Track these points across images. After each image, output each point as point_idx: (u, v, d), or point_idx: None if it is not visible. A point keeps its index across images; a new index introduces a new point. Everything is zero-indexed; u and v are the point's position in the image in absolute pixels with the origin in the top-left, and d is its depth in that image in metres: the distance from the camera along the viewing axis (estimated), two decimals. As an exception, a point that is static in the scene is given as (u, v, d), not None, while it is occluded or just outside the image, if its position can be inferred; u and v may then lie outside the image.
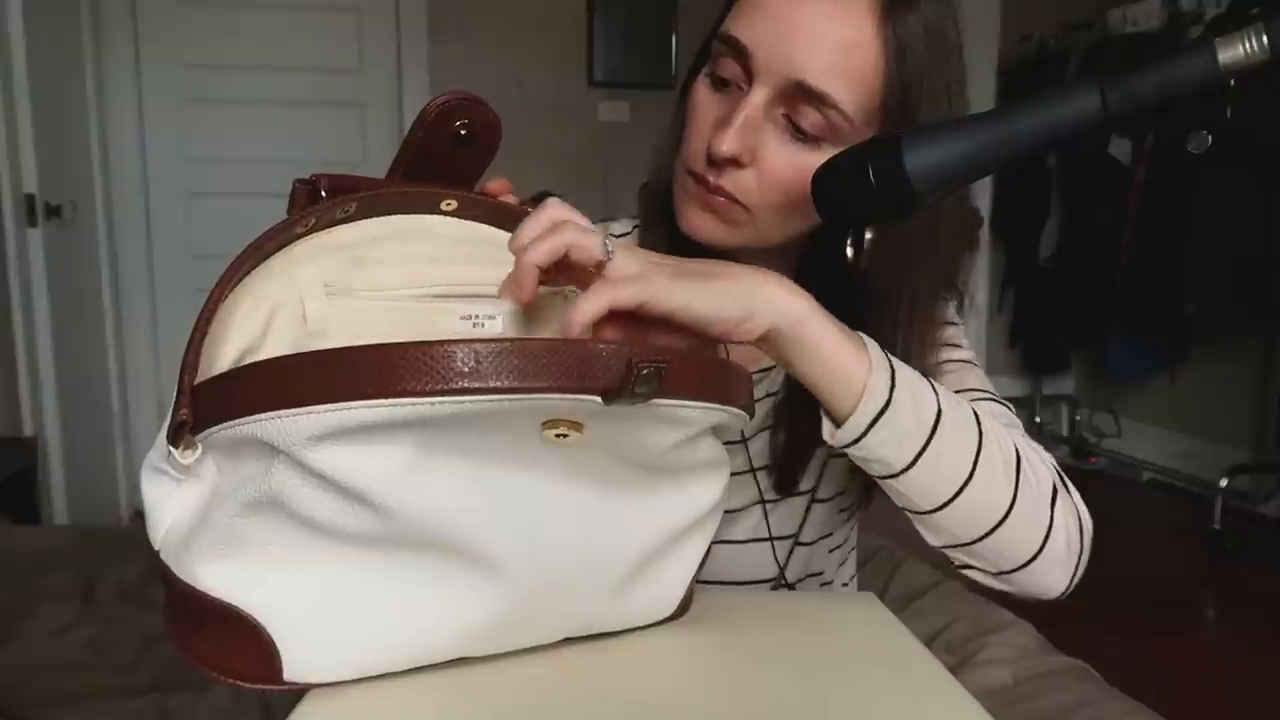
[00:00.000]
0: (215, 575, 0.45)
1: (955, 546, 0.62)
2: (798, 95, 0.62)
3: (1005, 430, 0.63)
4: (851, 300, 0.65)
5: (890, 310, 0.68)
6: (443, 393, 0.38)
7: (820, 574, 0.83)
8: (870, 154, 0.53)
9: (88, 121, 2.82)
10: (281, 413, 0.39)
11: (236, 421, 0.40)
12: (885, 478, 0.59)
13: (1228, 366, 3.27)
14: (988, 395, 0.71)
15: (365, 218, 0.54)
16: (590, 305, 0.48)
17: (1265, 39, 0.44)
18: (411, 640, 0.48)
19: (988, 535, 0.59)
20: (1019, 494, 0.59)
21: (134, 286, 3.06)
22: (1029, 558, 0.60)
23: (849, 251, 0.65)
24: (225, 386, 0.42)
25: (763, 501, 0.77)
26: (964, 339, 0.75)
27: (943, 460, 0.57)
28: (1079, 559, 0.63)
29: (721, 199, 0.66)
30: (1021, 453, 0.61)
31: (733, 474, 0.74)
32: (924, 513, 0.60)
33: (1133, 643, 2.20)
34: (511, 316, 0.55)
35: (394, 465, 0.41)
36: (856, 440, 0.57)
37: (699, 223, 0.68)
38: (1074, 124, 0.49)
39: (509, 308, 0.55)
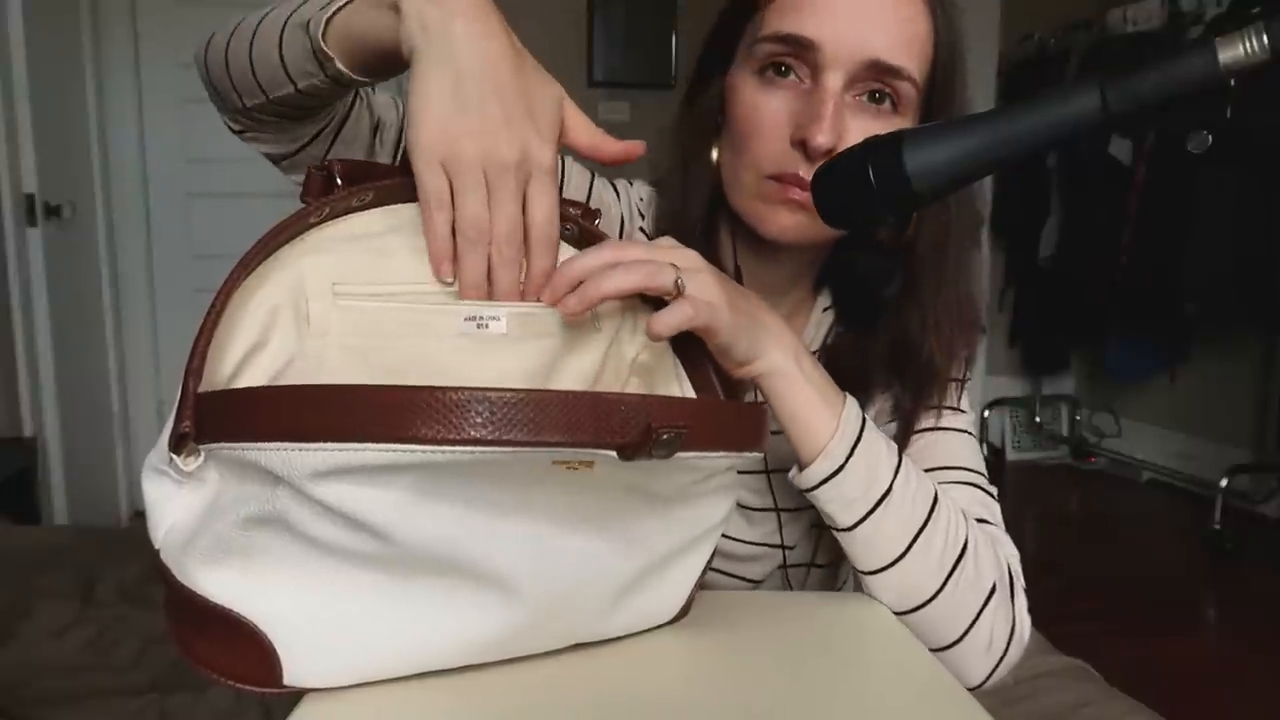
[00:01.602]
0: (216, 582, 0.44)
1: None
2: (870, 74, 0.64)
3: (963, 521, 0.65)
4: (890, 270, 0.70)
5: (936, 263, 0.70)
6: (454, 443, 0.37)
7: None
8: (870, 154, 0.53)
9: (87, 121, 2.82)
10: (285, 445, 0.38)
11: (239, 445, 0.40)
12: (834, 529, 0.64)
13: (1228, 366, 3.27)
14: (972, 478, 0.72)
15: (380, 206, 0.53)
16: (674, 318, 0.54)
17: (1265, 39, 0.44)
18: (415, 650, 0.48)
19: (909, 613, 0.63)
20: (948, 585, 0.63)
21: (134, 286, 3.06)
22: (946, 644, 0.64)
23: (881, 233, 0.68)
24: (230, 406, 0.41)
25: (777, 509, 0.76)
26: (967, 404, 0.76)
27: (880, 534, 0.63)
28: (1000, 660, 0.65)
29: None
30: (971, 547, 0.64)
31: (749, 472, 0.74)
32: (860, 572, 0.65)
33: (1133, 643, 2.20)
34: (515, 319, 0.54)
35: (398, 499, 0.40)
36: (809, 490, 0.63)
37: (790, 222, 0.67)
38: (1074, 124, 0.49)
39: (513, 309, 0.54)
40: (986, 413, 3.79)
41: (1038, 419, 3.89)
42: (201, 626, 0.46)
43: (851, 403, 0.64)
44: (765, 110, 0.66)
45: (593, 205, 0.74)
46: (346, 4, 0.54)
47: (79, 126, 2.78)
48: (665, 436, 0.39)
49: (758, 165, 0.67)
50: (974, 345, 0.74)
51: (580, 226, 0.59)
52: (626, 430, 0.39)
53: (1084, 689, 1.37)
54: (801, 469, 0.63)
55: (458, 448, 0.37)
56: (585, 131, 0.55)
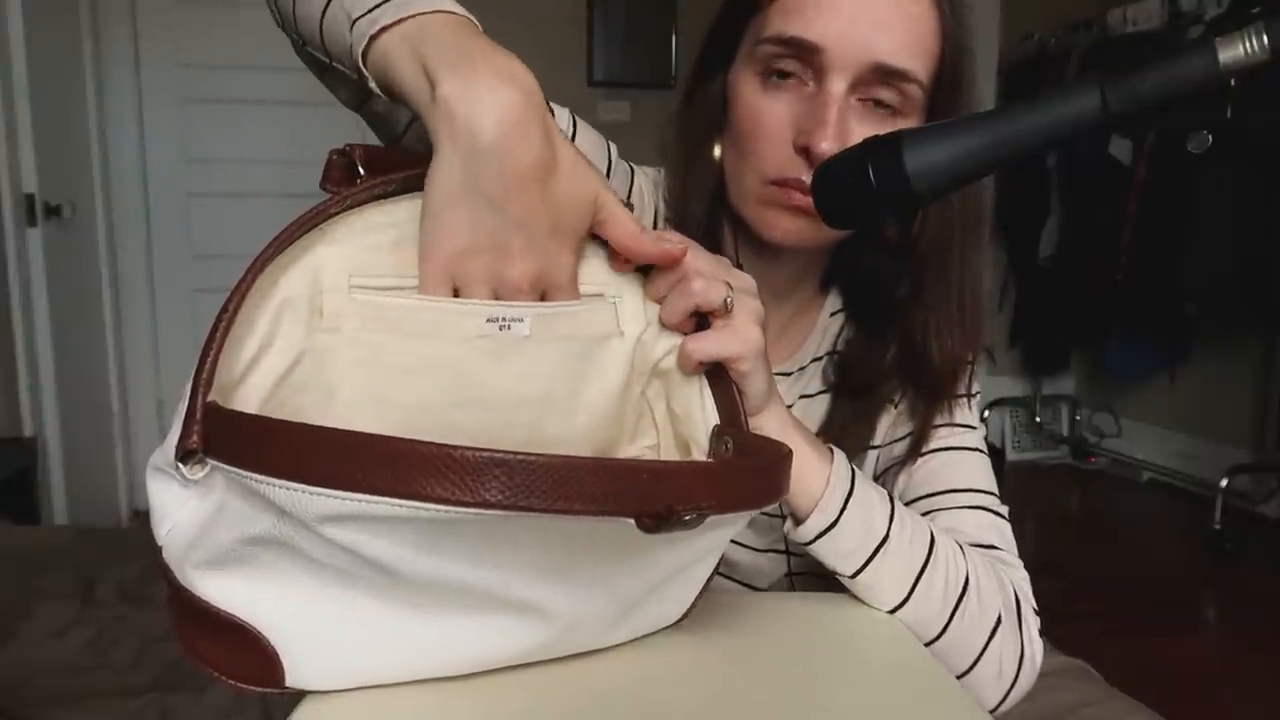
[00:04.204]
0: (218, 588, 0.44)
1: None
2: (875, 77, 0.63)
3: (962, 558, 0.64)
4: (898, 270, 0.69)
5: (939, 265, 0.70)
6: (468, 505, 0.36)
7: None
8: (870, 154, 0.53)
9: (87, 121, 2.82)
10: (294, 485, 0.37)
11: (247, 475, 0.39)
12: (837, 578, 0.64)
13: (1228, 366, 3.27)
14: (983, 500, 0.71)
15: (404, 194, 0.51)
16: (711, 350, 0.55)
17: (1265, 39, 0.44)
18: (420, 659, 0.47)
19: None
20: (952, 622, 0.63)
21: (134, 286, 3.06)
22: (957, 674, 0.64)
23: (889, 231, 0.67)
24: (240, 432, 0.40)
25: (783, 515, 0.76)
26: (977, 419, 0.75)
27: (881, 580, 0.62)
28: (1011, 687, 0.65)
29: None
30: (973, 583, 0.64)
31: None
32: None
33: (1133, 643, 2.20)
34: (539, 320, 0.52)
35: (406, 546, 0.40)
36: (806, 545, 0.62)
37: (793, 227, 0.66)
38: (1074, 124, 0.49)
39: (538, 310, 0.52)
40: (986, 413, 3.79)
41: (1038, 419, 3.89)
42: (203, 625, 0.45)
43: (840, 457, 0.64)
44: (767, 114, 0.65)
45: (634, 202, 0.74)
46: (390, 26, 0.50)
47: (79, 126, 2.78)
48: (688, 518, 0.39)
49: (760, 170, 0.66)
50: (977, 353, 0.73)
51: None
52: (649, 502, 0.38)
53: (1084, 689, 1.37)
54: (797, 524, 0.62)
55: (471, 510, 0.36)
56: (624, 230, 0.52)
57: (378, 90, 0.53)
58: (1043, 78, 3.40)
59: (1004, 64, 3.56)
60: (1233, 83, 0.46)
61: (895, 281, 0.70)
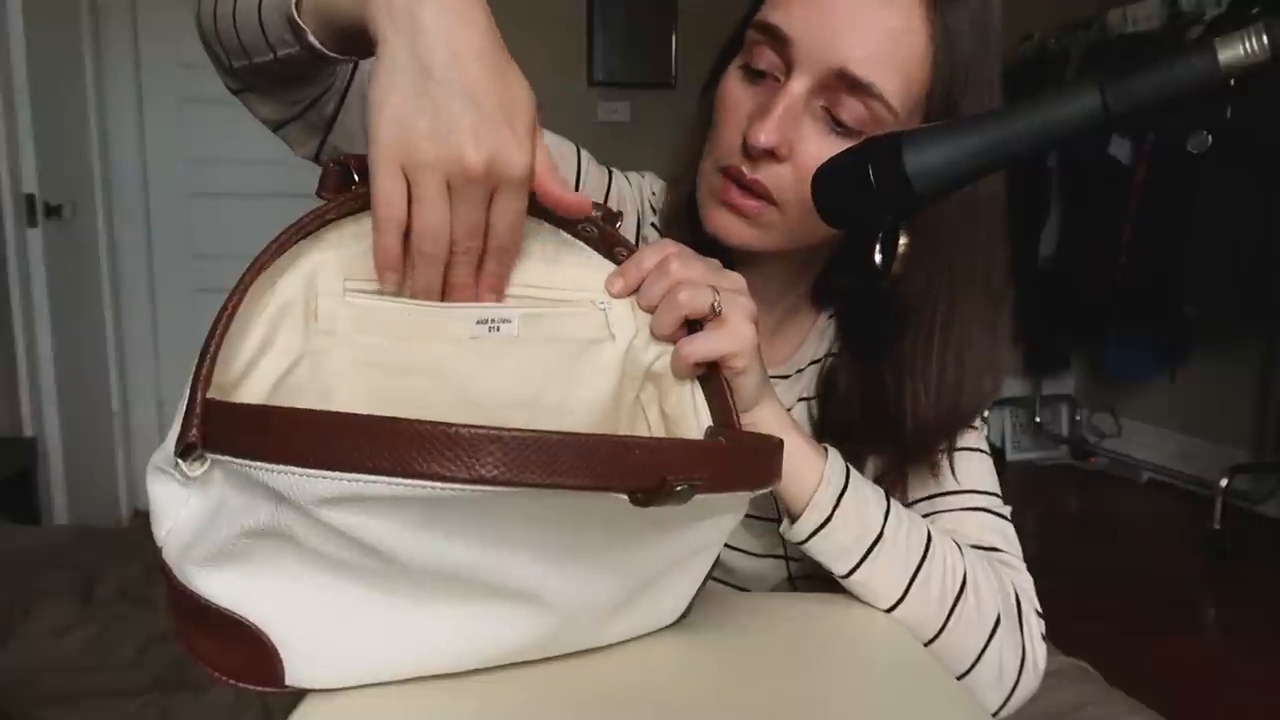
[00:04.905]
0: (218, 584, 0.44)
1: None
2: (839, 85, 0.60)
3: (960, 559, 0.64)
4: (883, 312, 0.67)
5: (923, 321, 0.67)
6: (464, 481, 0.36)
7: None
8: (870, 154, 0.53)
9: (88, 121, 2.82)
10: (293, 469, 0.38)
11: (246, 463, 0.39)
12: (833, 577, 0.63)
13: (1228, 366, 3.27)
14: (985, 502, 0.70)
15: None
16: (705, 350, 0.55)
17: (1265, 39, 0.44)
18: (419, 654, 0.48)
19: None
20: (950, 622, 0.62)
21: (134, 286, 3.06)
22: (957, 676, 0.63)
23: (877, 257, 0.63)
24: (239, 421, 0.41)
25: (778, 519, 0.76)
26: (978, 419, 0.73)
27: (876, 578, 0.62)
28: (1012, 690, 0.64)
29: (752, 202, 0.63)
30: (970, 583, 0.63)
31: None
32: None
33: (1133, 643, 2.20)
34: (527, 321, 0.53)
35: (405, 527, 0.40)
36: (801, 544, 0.62)
37: (729, 224, 0.65)
38: (1074, 124, 0.49)
39: (525, 312, 0.53)
40: (986, 413, 3.78)
41: (1038, 419, 3.89)
42: (203, 624, 0.46)
43: (834, 454, 0.63)
44: (733, 102, 0.64)
45: (613, 204, 0.73)
46: None
47: (79, 126, 2.78)
48: (680, 489, 0.39)
49: (715, 156, 0.65)
50: (956, 428, 0.70)
51: (600, 229, 0.57)
52: (642, 476, 0.39)
53: (1084, 689, 1.37)
54: (792, 521, 0.62)
55: (469, 486, 0.37)
56: (542, 162, 0.50)
57: (318, 45, 0.52)
58: (1043, 78, 3.40)
59: (1004, 64, 3.55)
60: (1233, 83, 0.46)
61: (879, 309, 0.68)
